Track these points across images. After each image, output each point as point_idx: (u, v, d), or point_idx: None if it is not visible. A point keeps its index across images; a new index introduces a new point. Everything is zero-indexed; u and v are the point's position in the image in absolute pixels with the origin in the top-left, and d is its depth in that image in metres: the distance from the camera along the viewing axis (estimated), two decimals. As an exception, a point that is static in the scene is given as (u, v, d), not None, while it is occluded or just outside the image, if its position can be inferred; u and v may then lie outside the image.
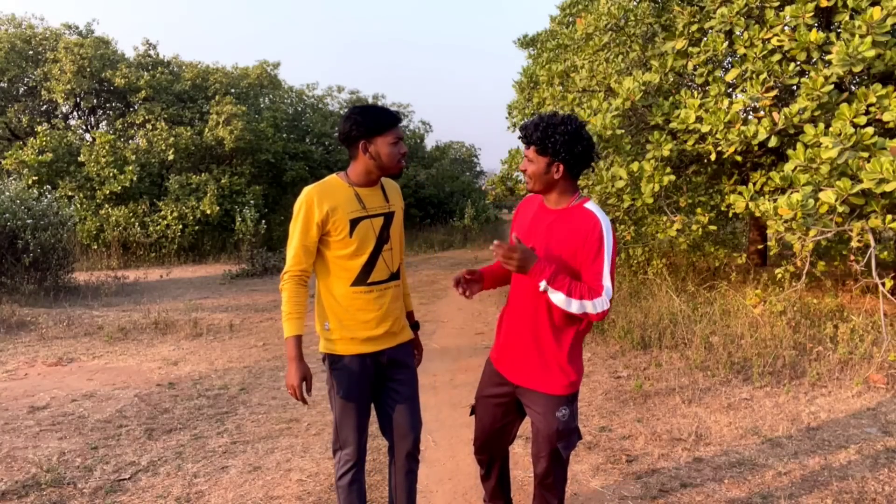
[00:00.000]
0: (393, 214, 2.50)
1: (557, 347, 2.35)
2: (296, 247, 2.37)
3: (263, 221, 14.19)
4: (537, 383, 2.39)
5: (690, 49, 6.72)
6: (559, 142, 2.23)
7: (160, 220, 14.09)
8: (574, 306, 2.17)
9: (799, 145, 5.04)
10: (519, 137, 2.38)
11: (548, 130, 2.24)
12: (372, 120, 2.35)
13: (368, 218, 2.41)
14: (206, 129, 15.46)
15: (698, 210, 7.00)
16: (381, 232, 2.44)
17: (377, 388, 2.55)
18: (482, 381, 2.64)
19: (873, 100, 5.00)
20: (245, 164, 16.35)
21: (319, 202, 2.35)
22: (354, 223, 2.37)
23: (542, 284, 2.18)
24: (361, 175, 2.43)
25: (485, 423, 2.62)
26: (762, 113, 5.80)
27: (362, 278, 2.41)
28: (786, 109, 5.42)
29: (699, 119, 6.04)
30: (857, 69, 5.06)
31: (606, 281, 2.20)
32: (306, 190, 2.38)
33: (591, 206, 2.30)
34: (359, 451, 2.49)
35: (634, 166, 6.47)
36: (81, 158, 14.25)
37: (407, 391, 2.54)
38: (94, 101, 16.80)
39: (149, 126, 15.54)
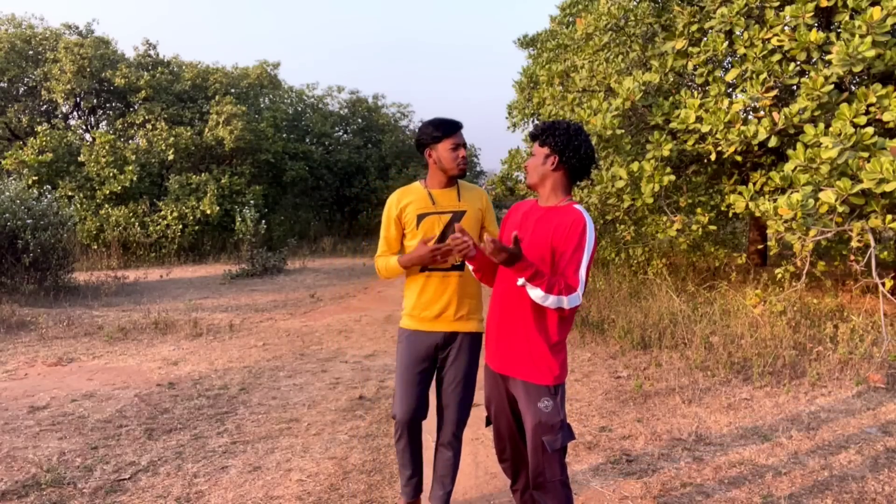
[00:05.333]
0: (463, 213, 2.83)
1: (541, 337, 2.41)
2: (382, 238, 2.91)
3: (263, 221, 14.17)
4: (521, 372, 2.44)
5: (690, 49, 6.72)
6: (557, 135, 2.44)
7: (160, 220, 14.09)
8: (550, 301, 2.29)
9: (799, 145, 5.04)
10: (529, 134, 2.59)
11: (550, 126, 2.47)
12: (434, 129, 2.76)
13: (436, 214, 2.80)
14: (206, 129, 15.46)
15: (698, 210, 7.00)
16: (446, 226, 2.80)
17: (438, 369, 2.90)
18: (485, 388, 2.67)
19: (873, 100, 5.00)
20: (245, 164, 16.34)
21: (398, 202, 2.84)
22: (421, 217, 2.79)
23: (521, 280, 2.31)
24: (433, 178, 2.85)
25: (500, 427, 2.63)
26: (762, 113, 5.80)
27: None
28: (786, 109, 5.42)
29: (699, 119, 6.04)
30: (857, 69, 5.06)
31: (582, 275, 2.33)
32: (393, 193, 2.89)
33: (579, 207, 2.45)
34: (406, 419, 2.81)
35: (634, 166, 6.47)
36: (81, 158, 14.25)
37: (453, 375, 2.84)
38: (94, 101, 16.80)
39: (149, 126, 15.53)
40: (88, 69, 15.32)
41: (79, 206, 13.72)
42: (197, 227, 14.39)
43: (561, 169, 2.45)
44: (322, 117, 20.38)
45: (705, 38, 6.69)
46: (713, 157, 6.17)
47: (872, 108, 5.06)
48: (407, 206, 2.81)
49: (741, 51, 5.99)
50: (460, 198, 2.84)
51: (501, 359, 2.50)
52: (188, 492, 3.38)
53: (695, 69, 6.74)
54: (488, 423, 2.71)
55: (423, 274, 2.81)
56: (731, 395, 4.65)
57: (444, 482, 2.91)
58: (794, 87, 6.33)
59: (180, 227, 14.02)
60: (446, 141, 2.75)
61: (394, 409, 2.85)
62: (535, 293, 2.29)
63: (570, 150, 2.42)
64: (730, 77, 6.11)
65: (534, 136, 2.52)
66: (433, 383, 2.94)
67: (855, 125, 4.92)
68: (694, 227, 6.75)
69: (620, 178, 6.53)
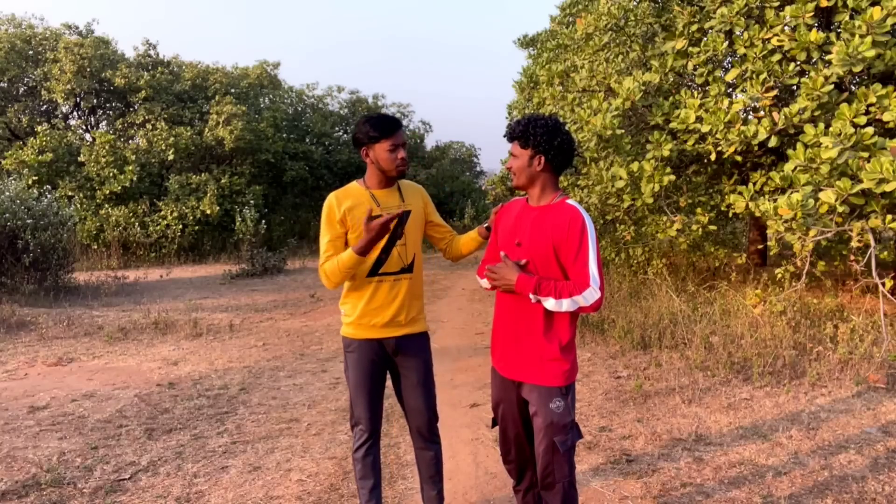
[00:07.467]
0: (409, 213, 2.74)
1: (552, 341, 2.39)
2: (325, 242, 2.67)
3: (263, 221, 14.18)
4: (532, 376, 2.42)
5: (690, 49, 6.72)
6: (539, 133, 2.37)
7: (160, 220, 14.09)
8: (566, 305, 2.29)
9: (799, 145, 5.04)
10: (504, 136, 2.52)
11: (529, 125, 2.39)
12: (371, 129, 2.62)
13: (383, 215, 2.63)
14: (206, 129, 15.46)
15: (698, 210, 7.00)
16: (394, 229, 2.67)
17: (393, 374, 2.83)
18: (493, 391, 2.65)
19: (873, 100, 5.00)
20: (245, 164, 16.34)
21: (339, 203, 2.67)
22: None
23: (532, 297, 2.32)
24: (373, 178, 2.72)
25: (507, 430, 2.63)
26: (762, 113, 5.80)
27: (374, 269, 2.68)
28: (786, 109, 5.42)
29: (699, 119, 6.04)
30: (857, 69, 5.06)
31: (593, 270, 2.31)
32: (330, 195, 2.72)
33: (572, 202, 2.42)
34: (371, 427, 2.77)
35: (634, 166, 6.47)
36: (81, 158, 14.25)
37: (415, 378, 2.77)
38: (94, 101, 16.79)
39: (149, 126, 15.53)
40: (88, 69, 15.32)
41: (79, 206, 13.72)
42: (197, 227, 14.39)
43: (548, 167, 2.42)
44: (322, 117, 20.38)
45: (705, 38, 6.68)
46: (713, 157, 6.17)
47: (872, 108, 5.06)
48: (352, 207, 2.66)
49: (741, 51, 5.99)
50: (403, 198, 2.76)
51: (512, 365, 2.48)
52: (188, 492, 3.38)
53: (695, 69, 6.73)
54: (494, 425, 2.70)
55: (373, 279, 2.68)
56: (731, 395, 4.65)
57: (433, 481, 2.90)
58: (794, 87, 6.32)
59: (180, 227, 14.02)
60: (384, 142, 2.61)
61: (355, 418, 2.78)
62: (549, 303, 2.31)
63: (554, 148, 2.38)
64: (730, 77, 6.10)
65: (512, 137, 2.44)
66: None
67: (855, 125, 4.92)
68: (694, 227, 6.74)
69: (620, 178, 6.52)
